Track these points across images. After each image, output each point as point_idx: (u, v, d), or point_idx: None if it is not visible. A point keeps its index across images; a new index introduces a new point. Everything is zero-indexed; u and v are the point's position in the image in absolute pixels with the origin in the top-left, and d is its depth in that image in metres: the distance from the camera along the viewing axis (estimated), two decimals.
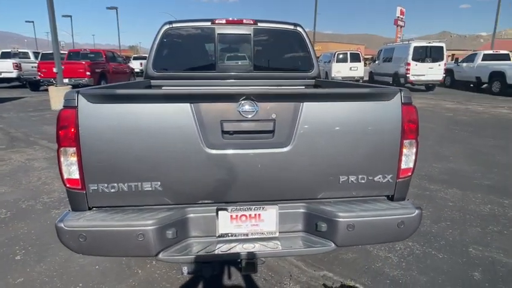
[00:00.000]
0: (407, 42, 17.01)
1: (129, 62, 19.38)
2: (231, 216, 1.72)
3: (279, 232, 1.75)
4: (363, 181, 1.73)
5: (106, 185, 1.61)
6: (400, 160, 1.73)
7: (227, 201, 1.71)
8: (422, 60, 15.45)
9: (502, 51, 16.46)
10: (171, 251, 1.64)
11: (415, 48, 15.52)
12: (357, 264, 2.47)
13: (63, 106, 1.58)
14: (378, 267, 2.43)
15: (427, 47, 15.68)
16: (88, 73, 12.75)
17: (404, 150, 1.73)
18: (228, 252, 1.66)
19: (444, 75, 15.93)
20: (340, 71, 18.80)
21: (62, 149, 1.58)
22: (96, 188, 1.61)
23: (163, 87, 3.10)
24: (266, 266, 2.40)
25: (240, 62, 3.29)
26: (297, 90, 1.80)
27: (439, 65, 15.48)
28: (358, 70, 19.08)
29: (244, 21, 3.14)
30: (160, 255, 1.61)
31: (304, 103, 1.63)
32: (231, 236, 1.73)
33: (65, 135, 1.57)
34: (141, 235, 1.56)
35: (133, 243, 1.57)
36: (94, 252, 1.62)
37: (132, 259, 2.50)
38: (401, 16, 36.17)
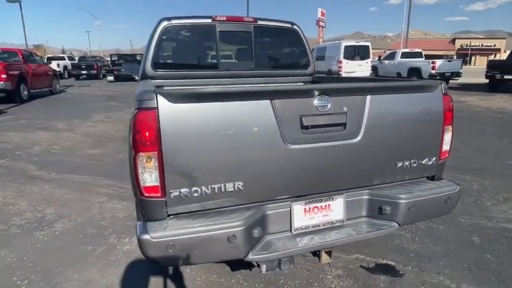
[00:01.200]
0: (338, 42, 18.40)
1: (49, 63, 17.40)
2: (305, 209, 1.80)
3: (346, 220, 1.88)
4: (414, 165, 1.95)
5: (188, 189, 1.55)
6: (441, 144, 2.00)
7: (300, 195, 1.78)
8: (352, 58, 16.89)
9: (416, 50, 18.89)
10: (257, 250, 1.65)
11: (346, 47, 16.90)
12: (380, 245, 2.71)
13: (139, 108, 1.48)
14: (398, 245, 2.71)
15: (355, 46, 17.19)
16: (4, 76, 11.17)
17: (445, 135, 2.00)
18: (310, 244, 1.73)
19: (371, 71, 17.65)
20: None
21: (140, 154, 1.48)
22: (177, 193, 1.54)
23: (164, 88, 2.97)
24: (303, 258, 2.50)
25: (241, 60, 3.31)
26: (364, 84, 1.92)
27: (367, 62, 17.10)
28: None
29: (245, 18, 3.18)
30: (249, 256, 1.62)
31: (368, 96, 1.78)
32: (305, 228, 1.81)
33: (144, 140, 1.47)
34: (233, 237, 1.54)
35: (225, 246, 1.55)
36: (182, 262, 1.55)
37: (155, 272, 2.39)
38: (322, 17, 38.74)
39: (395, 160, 1.91)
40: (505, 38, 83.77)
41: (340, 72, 16.74)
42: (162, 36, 2.96)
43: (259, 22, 3.22)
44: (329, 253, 1.86)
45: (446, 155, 2.06)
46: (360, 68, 17.11)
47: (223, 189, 1.60)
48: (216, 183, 1.59)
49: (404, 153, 1.92)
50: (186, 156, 1.52)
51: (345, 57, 16.78)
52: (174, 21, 2.99)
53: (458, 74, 16.30)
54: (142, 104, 1.47)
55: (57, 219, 3.23)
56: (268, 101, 1.62)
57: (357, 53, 17.04)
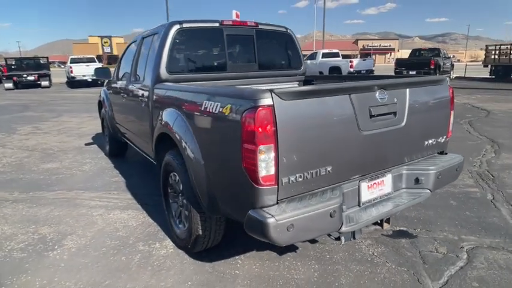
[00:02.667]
0: None
1: None
2: (368, 185, 2.17)
3: (393, 192, 2.31)
4: (434, 142, 2.49)
5: (294, 176, 1.79)
6: (449, 124, 2.57)
7: (365, 174, 2.15)
8: None
9: (334, 50, 20.92)
10: (345, 223, 1.97)
11: None
12: None
13: (257, 106, 1.66)
14: (400, 215, 3.27)
15: None
16: None
17: (451, 117, 2.58)
18: (376, 215, 2.11)
19: None
20: None
21: (260, 147, 1.67)
22: (286, 180, 1.77)
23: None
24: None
25: (246, 62, 3.52)
26: (404, 80, 2.36)
27: None
28: None
29: (248, 23, 3.42)
30: (343, 228, 1.92)
31: (408, 89, 2.24)
32: (368, 202, 2.18)
33: (265, 134, 1.66)
34: (334, 213, 1.84)
35: (327, 221, 1.83)
36: (297, 239, 1.78)
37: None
38: (237, 19, 39.91)
39: (424, 139, 2.42)
40: (397, 39, 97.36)
41: None
42: (175, 40, 3.03)
43: (260, 26, 3.50)
44: (388, 221, 2.27)
45: (451, 134, 2.65)
46: None
47: (318, 174, 1.88)
48: (314, 169, 1.85)
49: (429, 134, 2.44)
50: (294, 146, 1.76)
51: None
52: (185, 25, 3.08)
53: (371, 71, 18.66)
54: (259, 102, 1.66)
55: (62, 237, 3.03)
56: (347, 96, 1.95)
57: None
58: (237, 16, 39.67)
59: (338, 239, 2.14)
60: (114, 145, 5.34)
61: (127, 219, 3.35)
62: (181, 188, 2.58)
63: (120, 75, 4.50)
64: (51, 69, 23.49)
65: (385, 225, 2.29)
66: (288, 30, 3.73)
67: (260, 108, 1.65)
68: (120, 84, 4.32)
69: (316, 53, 20.71)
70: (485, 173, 4.38)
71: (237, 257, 2.65)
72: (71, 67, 20.51)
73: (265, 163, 1.70)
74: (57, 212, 3.54)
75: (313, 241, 2.83)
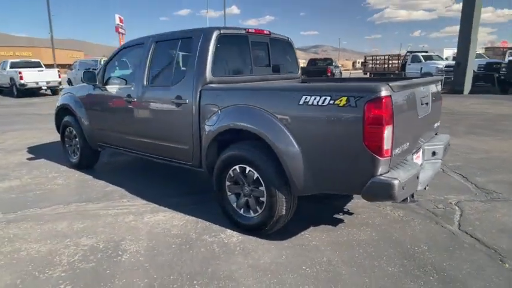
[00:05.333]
0: None
1: None
2: (413, 157, 2.98)
3: (424, 163, 3.18)
4: (436, 126, 3.48)
5: (397, 149, 2.47)
6: (440, 112, 3.62)
7: (415, 148, 2.94)
8: None
9: None
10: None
11: None
12: None
13: (382, 96, 2.27)
14: None
15: None
16: None
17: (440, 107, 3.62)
18: (427, 179, 2.91)
19: None
20: None
21: (386, 127, 2.29)
22: (394, 153, 2.43)
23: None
24: (357, 204, 3.63)
25: (264, 66, 4.00)
26: (430, 78, 3.26)
27: None
28: None
29: (265, 31, 3.94)
30: (418, 187, 2.66)
31: (431, 85, 3.16)
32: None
33: (389, 116, 2.30)
34: (418, 175, 2.59)
35: (416, 183, 2.58)
36: (403, 196, 2.42)
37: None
38: (121, 24, 37.96)
39: (434, 123, 3.38)
40: None
41: None
42: (217, 44, 3.35)
43: (272, 35, 4.06)
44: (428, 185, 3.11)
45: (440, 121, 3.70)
46: None
47: (403, 149, 2.59)
48: (402, 145, 2.56)
49: (436, 119, 3.42)
50: (398, 127, 2.41)
51: None
52: (222, 31, 3.43)
53: None
54: (382, 93, 2.26)
55: (115, 244, 2.98)
56: (415, 89, 2.74)
57: None
58: (121, 21, 37.64)
59: (403, 200, 2.87)
60: (88, 156, 5.05)
61: (167, 220, 3.45)
62: (254, 179, 2.94)
63: (108, 81, 4.42)
64: None
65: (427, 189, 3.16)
66: (289, 39, 4.39)
67: (384, 97, 2.27)
68: (115, 89, 4.26)
69: None
70: None
71: (302, 232, 3.14)
72: (20, 72, 17.21)
73: (387, 140, 2.32)
74: (80, 224, 3.38)
75: (350, 214, 3.53)
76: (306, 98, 2.57)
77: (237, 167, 3.06)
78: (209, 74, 3.29)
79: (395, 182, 2.30)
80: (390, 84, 2.37)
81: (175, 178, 4.79)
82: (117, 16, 38.31)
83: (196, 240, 3.03)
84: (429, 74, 18.05)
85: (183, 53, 3.59)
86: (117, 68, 4.52)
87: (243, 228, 3.12)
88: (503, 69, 14.93)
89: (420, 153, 3.12)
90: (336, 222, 3.35)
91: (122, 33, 37.46)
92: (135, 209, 3.74)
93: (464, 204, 3.68)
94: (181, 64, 3.58)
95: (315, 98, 2.53)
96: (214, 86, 3.26)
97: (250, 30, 3.75)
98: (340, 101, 2.41)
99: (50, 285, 2.45)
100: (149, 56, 3.84)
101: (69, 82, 21.91)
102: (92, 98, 4.64)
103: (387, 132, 2.31)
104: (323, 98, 2.49)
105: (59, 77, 19.33)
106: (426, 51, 23.23)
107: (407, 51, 24.47)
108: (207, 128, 3.23)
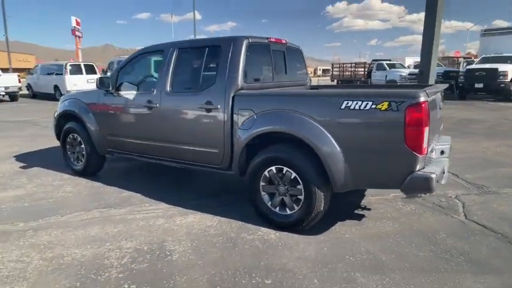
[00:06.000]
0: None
1: None
2: (432, 154, 3.37)
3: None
4: (441, 127, 3.93)
5: (429, 148, 2.83)
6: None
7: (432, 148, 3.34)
8: None
9: None
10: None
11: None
12: None
13: (421, 101, 2.61)
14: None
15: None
16: None
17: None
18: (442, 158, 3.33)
19: None
20: (77, 84, 17.92)
21: (425, 128, 2.64)
22: (427, 151, 2.79)
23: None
24: (370, 200, 3.99)
25: (282, 73, 4.27)
26: (439, 85, 3.68)
27: None
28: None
29: (283, 41, 4.22)
30: (442, 181, 3.04)
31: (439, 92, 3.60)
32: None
33: (426, 119, 2.65)
34: (444, 169, 2.97)
35: (442, 176, 2.93)
36: (436, 189, 2.77)
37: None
38: (78, 26, 36.43)
39: (441, 125, 3.83)
40: None
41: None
42: (247, 52, 3.58)
43: (288, 44, 4.35)
44: None
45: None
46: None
47: (430, 148, 2.96)
48: (430, 145, 2.93)
49: (440, 122, 3.87)
50: (430, 127, 2.77)
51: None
52: (250, 40, 3.66)
53: None
54: (421, 98, 2.61)
55: (158, 246, 3.07)
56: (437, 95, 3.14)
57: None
58: (78, 23, 36.18)
59: (413, 195, 3.25)
60: (93, 163, 5.01)
61: (199, 221, 3.58)
62: (291, 178, 3.18)
63: (121, 87, 4.48)
64: None
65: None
66: (300, 48, 4.71)
67: (423, 102, 2.62)
68: (131, 95, 4.31)
69: None
70: None
71: (333, 227, 3.42)
72: None
73: (426, 139, 2.67)
74: (114, 229, 3.43)
75: (368, 209, 3.87)
76: (347, 103, 2.87)
77: (273, 167, 3.28)
78: (241, 81, 3.49)
79: (433, 175, 2.65)
80: (425, 90, 2.73)
81: (186, 182, 4.89)
82: (73, 18, 36.73)
83: (237, 239, 3.21)
84: (393, 82, 19.32)
85: (211, 60, 3.76)
86: (133, 74, 4.57)
87: (279, 226, 3.33)
88: (461, 77, 16.31)
89: (434, 152, 3.53)
90: (359, 217, 3.67)
91: (79, 36, 35.96)
92: (162, 212, 3.83)
93: (463, 198, 4.16)
94: (210, 71, 3.75)
95: (356, 103, 2.83)
96: (249, 92, 3.47)
97: (271, 39, 4.01)
98: (382, 105, 2.73)
99: (113, 286, 2.53)
100: (172, 62, 3.97)
101: (29, 87, 20.82)
102: (103, 103, 4.64)
103: (426, 132, 2.66)
104: (365, 103, 2.80)
105: (19, 81, 18.34)
106: (389, 60, 24.75)
107: (373, 60, 25.87)
108: (240, 132, 3.42)
